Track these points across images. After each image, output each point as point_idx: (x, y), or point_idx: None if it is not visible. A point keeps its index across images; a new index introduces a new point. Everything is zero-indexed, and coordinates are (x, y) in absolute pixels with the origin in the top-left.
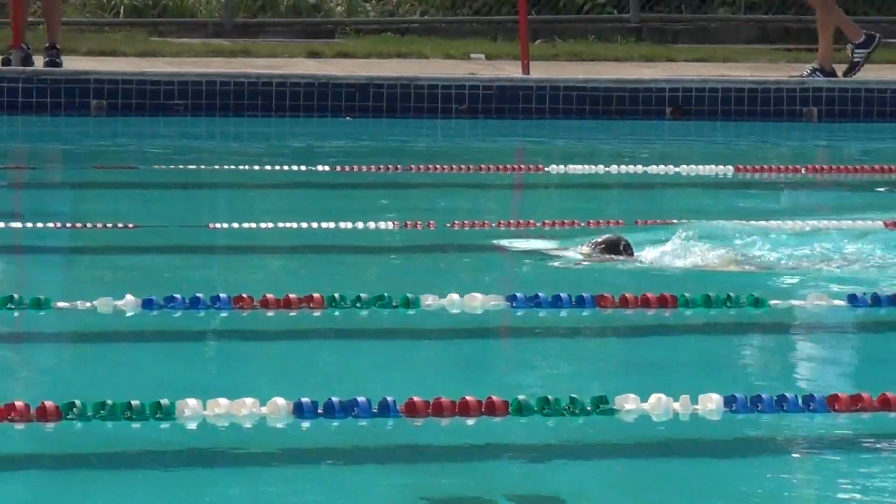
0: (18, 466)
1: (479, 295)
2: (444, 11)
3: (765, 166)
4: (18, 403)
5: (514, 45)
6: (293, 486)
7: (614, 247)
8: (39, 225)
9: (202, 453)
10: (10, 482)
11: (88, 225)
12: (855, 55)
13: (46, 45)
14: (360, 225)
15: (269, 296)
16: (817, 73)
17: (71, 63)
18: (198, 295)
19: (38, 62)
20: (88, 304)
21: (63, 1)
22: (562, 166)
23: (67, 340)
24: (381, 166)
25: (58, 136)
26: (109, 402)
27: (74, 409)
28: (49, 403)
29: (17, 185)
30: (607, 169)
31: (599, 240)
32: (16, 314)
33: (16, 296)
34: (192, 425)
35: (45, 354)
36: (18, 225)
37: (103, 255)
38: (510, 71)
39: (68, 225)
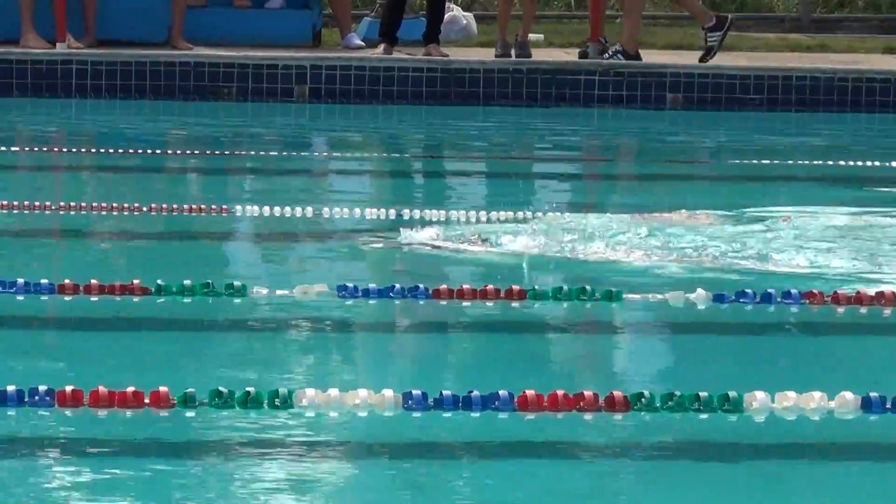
0: (583, 455)
1: None
2: None
3: None
4: (587, 394)
5: None
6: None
7: None
8: (609, 215)
9: (769, 447)
10: (580, 471)
11: (666, 214)
12: (709, 39)
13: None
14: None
15: (841, 292)
16: (619, 54)
17: (647, 57)
18: (769, 290)
19: None
20: (660, 297)
21: None
22: None
23: (638, 332)
24: None
25: (632, 129)
26: (677, 393)
27: (642, 400)
28: (618, 394)
29: (590, 176)
30: None
31: None
32: (587, 305)
33: (588, 288)
34: (760, 418)
35: (616, 346)
36: (592, 215)
37: (674, 248)
38: None
39: (637, 216)
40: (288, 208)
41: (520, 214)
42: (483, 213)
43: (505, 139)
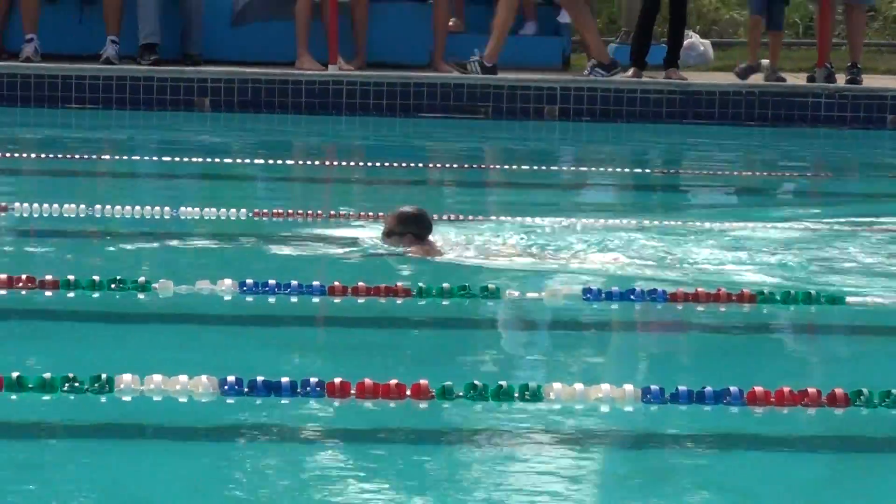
0: (807, 447)
1: None
2: None
3: None
4: (811, 390)
5: None
6: None
7: None
8: (832, 226)
9: None
10: (804, 462)
11: (888, 227)
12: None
13: (849, 63)
14: None
15: None
16: (597, 69)
17: (869, 81)
18: None
19: (839, 80)
20: (878, 300)
21: (866, 24)
22: None
23: (859, 333)
24: None
25: (855, 147)
26: (894, 391)
27: (862, 397)
28: (839, 391)
29: (815, 192)
30: None
31: None
32: (812, 308)
33: (813, 292)
34: None
35: (839, 346)
36: (815, 225)
37: None
38: None
39: (860, 228)
40: (538, 218)
41: (750, 225)
42: (716, 223)
43: (737, 157)
